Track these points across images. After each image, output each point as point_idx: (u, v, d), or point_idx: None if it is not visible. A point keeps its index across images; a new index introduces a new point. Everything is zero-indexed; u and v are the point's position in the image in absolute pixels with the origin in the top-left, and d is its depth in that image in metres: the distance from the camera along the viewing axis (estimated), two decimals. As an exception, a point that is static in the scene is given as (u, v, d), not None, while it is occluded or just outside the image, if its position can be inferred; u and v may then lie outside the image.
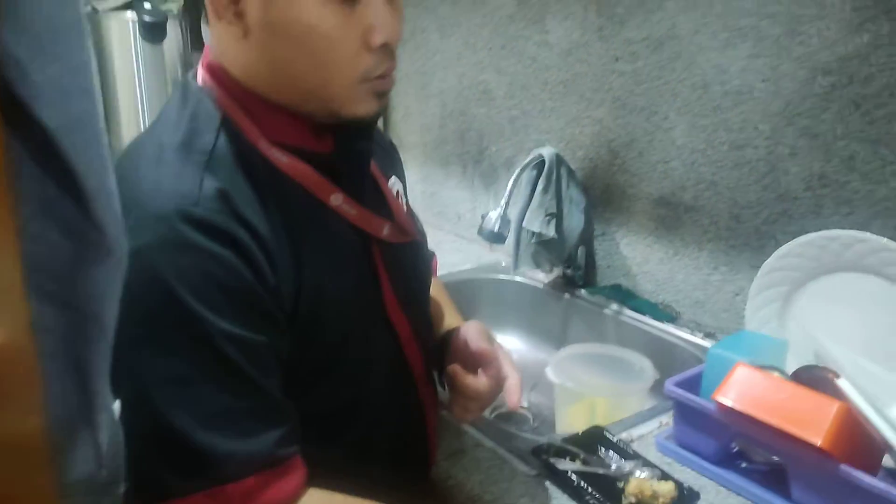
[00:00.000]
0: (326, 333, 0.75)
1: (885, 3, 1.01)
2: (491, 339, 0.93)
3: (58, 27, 0.36)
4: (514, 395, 0.85)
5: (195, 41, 2.28)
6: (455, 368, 0.87)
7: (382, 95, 0.75)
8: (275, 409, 0.68)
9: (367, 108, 0.74)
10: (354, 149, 0.80)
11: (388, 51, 0.72)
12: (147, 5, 1.97)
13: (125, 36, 1.95)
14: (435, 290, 1.09)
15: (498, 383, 0.88)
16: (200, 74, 0.76)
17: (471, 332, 0.92)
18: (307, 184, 0.75)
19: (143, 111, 1.98)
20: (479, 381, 0.87)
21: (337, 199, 0.77)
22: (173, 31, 2.03)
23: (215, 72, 0.75)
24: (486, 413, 0.93)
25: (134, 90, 1.97)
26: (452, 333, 0.97)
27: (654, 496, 0.83)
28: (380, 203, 0.86)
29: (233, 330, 0.64)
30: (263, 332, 0.67)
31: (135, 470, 0.65)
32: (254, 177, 0.70)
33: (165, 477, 0.63)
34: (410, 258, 0.90)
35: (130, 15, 1.95)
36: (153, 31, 1.97)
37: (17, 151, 0.35)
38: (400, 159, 1.02)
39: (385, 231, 0.83)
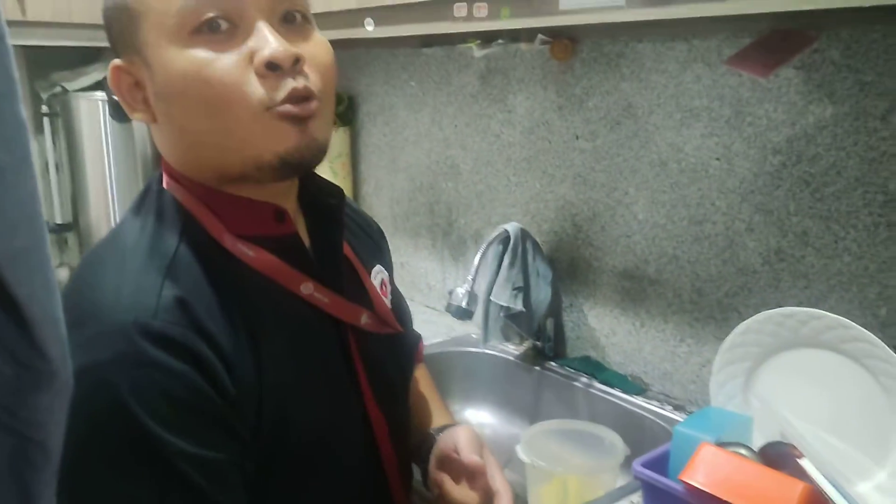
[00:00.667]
0: (297, 436, 0.72)
1: (828, 87, 1.06)
2: (482, 448, 0.89)
3: (4, 161, 0.37)
4: None
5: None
6: (442, 478, 0.85)
7: (300, 122, 0.67)
8: None
9: (284, 142, 0.67)
10: (323, 233, 0.79)
11: (288, 71, 0.66)
12: (117, 85, 2.00)
13: (94, 115, 1.97)
14: (423, 381, 1.06)
15: (486, 497, 0.85)
16: (164, 175, 0.76)
17: (462, 440, 0.88)
18: (275, 275, 0.73)
19: (112, 191, 1.98)
20: (466, 495, 0.84)
21: (308, 289, 0.75)
22: (143, 110, 2.05)
23: (168, 169, 0.74)
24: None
25: (103, 170, 1.98)
26: (440, 434, 0.93)
27: None
28: (358, 292, 0.84)
29: (191, 449, 0.63)
30: (224, 448, 0.65)
31: None
32: (217, 278, 0.69)
33: None
34: (390, 350, 0.87)
35: (100, 95, 1.98)
36: (122, 111, 1.99)
37: None
38: (388, 248, 1.00)
39: (363, 320, 0.81)
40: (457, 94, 1.72)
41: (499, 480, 0.85)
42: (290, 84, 0.66)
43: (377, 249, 0.97)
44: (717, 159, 1.21)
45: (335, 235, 0.81)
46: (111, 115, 1.95)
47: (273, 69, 0.66)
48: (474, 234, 1.76)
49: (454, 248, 1.83)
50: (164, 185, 0.75)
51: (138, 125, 2.04)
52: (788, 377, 1.00)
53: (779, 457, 0.91)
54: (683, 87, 1.24)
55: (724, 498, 0.83)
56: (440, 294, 1.91)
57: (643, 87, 1.30)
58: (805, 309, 0.95)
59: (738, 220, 1.20)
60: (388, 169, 1.99)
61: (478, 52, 1.49)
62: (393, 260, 1.01)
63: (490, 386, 1.62)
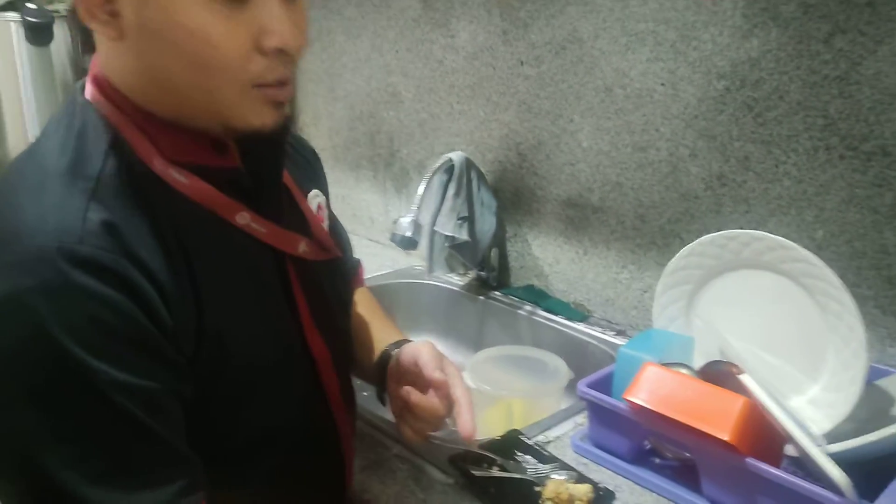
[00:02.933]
0: (236, 368, 0.70)
1: (773, 10, 1.06)
2: (443, 361, 0.88)
3: None
4: (468, 426, 0.81)
5: (86, 44, 2.16)
6: (408, 390, 0.84)
7: (279, 105, 0.68)
8: (175, 457, 0.64)
9: (262, 118, 0.67)
10: (263, 163, 0.75)
11: (284, 58, 0.66)
12: (31, 5, 1.86)
13: (7, 38, 1.83)
14: (367, 302, 1.05)
15: (449, 404, 0.84)
16: (89, 87, 0.69)
17: (423, 355, 0.87)
18: (210, 204, 0.69)
19: (28, 119, 1.87)
20: (432, 401, 0.84)
21: (244, 218, 0.72)
22: (61, 33, 1.93)
23: (102, 84, 0.68)
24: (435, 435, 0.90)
25: (19, 96, 1.85)
26: (397, 350, 0.92)
27: (570, 499, 0.84)
28: (296, 218, 0.81)
29: (126, 379, 0.59)
30: (160, 378, 0.62)
31: None
32: (148, 203, 0.64)
33: None
34: (329, 277, 0.85)
35: (13, 16, 1.84)
36: (39, 33, 1.86)
37: None
38: (322, 170, 0.97)
39: (301, 248, 0.78)
40: (397, 18, 1.66)
41: (459, 389, 0.84)
42: (282, 71, 0.66)
43: (312, 173, 0.93)
44: (662, 84, 1.21)
45: (276, 163, 0.77)
46: (27, 37, 1.82)
47: (278, 55, 0.65)
48: (417, 165, 1.73)
49: (397, 179, 1.80)
50: (89, 97, 0.69)
51: (57, 49, 1.91)
52: (728, 299, 1.02)
53: (719, 375, 0.93)
54: (629, 11, 1.22)
55: (667, 414, 0.85)
56: (383, 227, 1.88)
57: (589, 10, 1.28)
58: (747, 231, 0.97)
59: (681, 145, 1.20)
60: (327, 98, 1.93)
61: (420, -28, 1.43)
62: (333, 193, 0.98)
63: (434, 316, 1.62)
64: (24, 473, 0.58)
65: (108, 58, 0.68)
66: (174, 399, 0.64)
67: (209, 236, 0.69)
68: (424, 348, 0.89)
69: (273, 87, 0.66)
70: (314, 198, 0.89)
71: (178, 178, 0.68)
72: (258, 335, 0.73)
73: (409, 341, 0.96)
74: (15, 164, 0.67)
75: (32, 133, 1.88)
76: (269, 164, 0.76)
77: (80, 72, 2.09)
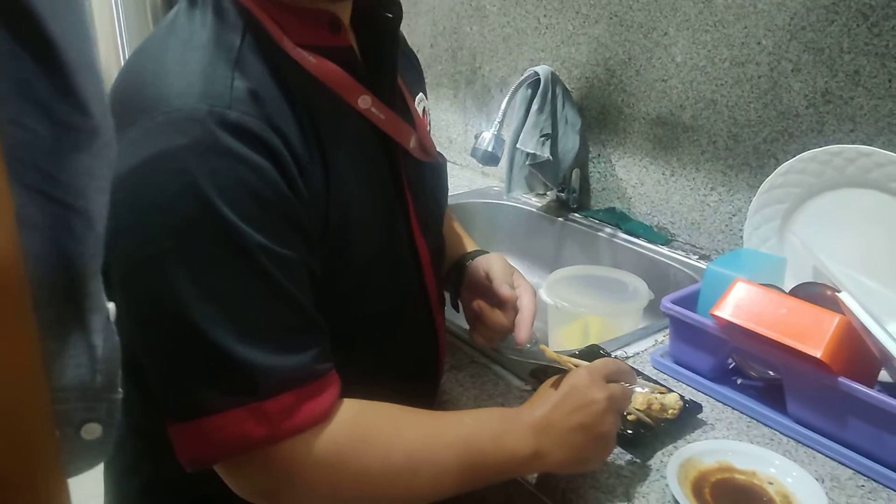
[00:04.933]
0: (354, 252, 0.72)
1: None
2: (513, 275, 0.91)
3: None
4: (524, 331, 0.85)
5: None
6: (481, 305, 0.88)
7: None
8: (311, 324, 0.66)
9: None
10: (378, 44, 0.76)
11: None
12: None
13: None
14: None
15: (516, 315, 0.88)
16: None
17: (494, 268, 0.90)
18: (335, 85, 0.71)
19: (122, 32, 1.91)
20: (499, 316, 0.87)
21: (366, 102, 0.73)
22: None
23: None
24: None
25: (111, 8, 1.89)
26: (470, 260, 0.94)
27: (663, 408, 0.83)
28: (406, 115, 0.82)
29: (269, 243, 0.61)
30: (297, 247, 0.64)
31: (166, 386, 0.63)
32: (282, 79, 0.66)
33: (202, 393, 0.61)
34: (431, 180, 0.87)
35: (104, -73, 1.86)
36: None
37: None
38: (424, 79, 0.98)
39: (412, 143, 0.79)
40: (485, -73, 1.60)
41: (525, 300, 0.88)
42: None
43: (419, 77, 0.94)
44: (768, -7, 1.13)
45: (391, 50, 0.78)
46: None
47: None
48: (499, 83, 1.69)
49: (478, 97, 1.77)
50: None
51: (145, -39, 1.94)
52: (827, 219, 0.97)
53: (812, 296, 0.90)
54: (737, -88, 1.14)
55: (758, 331, 0.83)
56: (461, 147, 1.86)
57: (692, -87, 1.20)
58: (854, 146, 0.91)
59: (784, 59, 1.13)
60: (409, 13, 1.89)
61: None
62: (419, 100, 0.97)
63: (512, 237, 1.61)
64: (175, 325, 0.60)
65: None
66: (307, 271, 0.66)
67: (333, 117, 0.70)
68: (496, 262, 0.92)
69: None
70: (419, 102, 0.89)
71: (307, 57, 0.69)
72: (373, 223, 0.74)
73: (484, 252, 0.98)
74: (153, 38, 0.69)
75: (123, 45, 1.92)
76: (384, 47, 0.77)
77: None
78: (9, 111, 0.34)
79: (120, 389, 0.43)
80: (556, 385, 0.75)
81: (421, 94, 0.91)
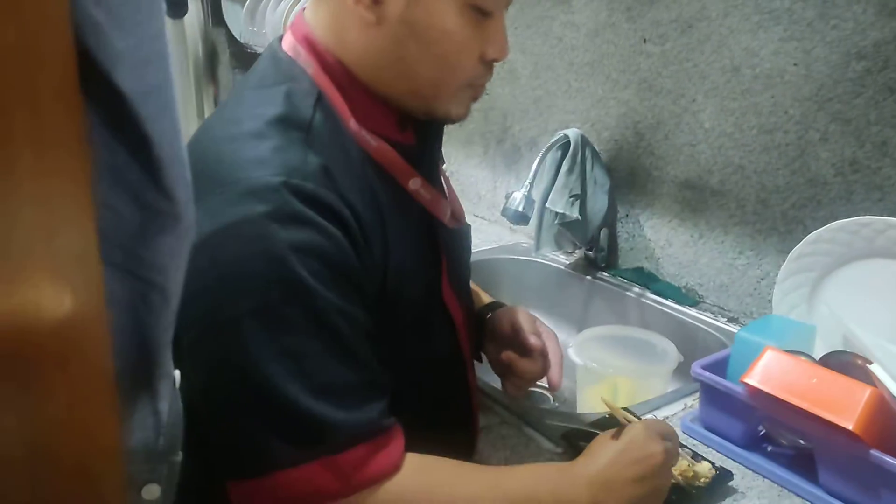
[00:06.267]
0: (401, 316, 0.76)
1: (925, -13, 1.00)
2: (536, 324, 0.97)
3: None
4: (556, 376, 0.92)
5: (215, 16, 2.27)
6: (510, 356, 0.93)
7: (475, 100, 0.79)
8: (377, 380, 0.69)
9: (460, 111, 0.78)
10: (432, 141, 0.83)
11: (492, 65, 0.77)
12: (170, -21, 1.97)
13: (148, 10, 1.95)
14: None
15: (546, 364, 0.94)
16: (291, 45, 0.76)
17: (520, 321, 0.96)
18: (391, 168, 0.76)
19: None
20: (530, 365, 0.93)
21: (416, 184, 0.79)
22: (194, 7, 2.03)
23: (315, 46, 0.75)
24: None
25: (156, 65, 1.97)
26: (489, 313, 0.99)
27: (696, 476, 0.84)
28: (440, 189, 0.87)
29: (340, 304, 0.65)
30: (360, 310, 0.68)
31: (236, 442, 0.65)
32: (348, 156, 0.71)
33: (276, 448, 0.63)
34: (460, 244, 0.92)
35: (153, -11, 1.95)
36: (175, 7, 1.97)
37: (89, 118, 0.35)
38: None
39: (447, 216, 0.85)
40: (518, -6, 1.66)
41: (552, 348, 0.95)
42: (489, 77, 0.78)
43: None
44: (795, 65, 1.16)
45: (438, 140, 0.86)
46: (167, 11, 1.92)
47: (492, 63, 0.76)
48: (529, 143, 1.73)
49: (507, 156, 1.81)
50: (293, 55, 0.75)
51: (190, 21, 2.02)
52: (856, 288, 0.98)
53: (842, 366, 0.90)
54: (764, -12, 1.18)
55: (788, 400, 0.83)
56: (490, 203, 1.90)
57: (720, -14, 1.24)
58: (883, 218, 0.93)
59: (811, 129, 1.16)
60: (442, 74, 1.95)
61: (545, -53, 1.42)
62: (444, 168, 1.02)
63: (539, 294, 1.63)
64: (248, 383, 0.63)
65: (347, 33, 0.73)
66: (367, 332, 0.70)
67: (389, 195, 0.75)
68: (520, 314, 0.98)
69: (479, 88, 0.78)
70: (444, 169, 0.93)
71: (369, 140, 0.74)
72: (418, 289, 0.79)
73: (502, 305, 1.03)
74: (225, 111, 0.74)
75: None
76: (435, 143, 0.85)
77: (209, 44, 2.21)
78: (102, 195, 0.37)
79: (180, 452, 0.46)
80: (613, 437, 0.77)
81: (443, 160, 0.97)
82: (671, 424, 0.94)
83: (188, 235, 0.41)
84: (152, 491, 0.44)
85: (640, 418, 0.97)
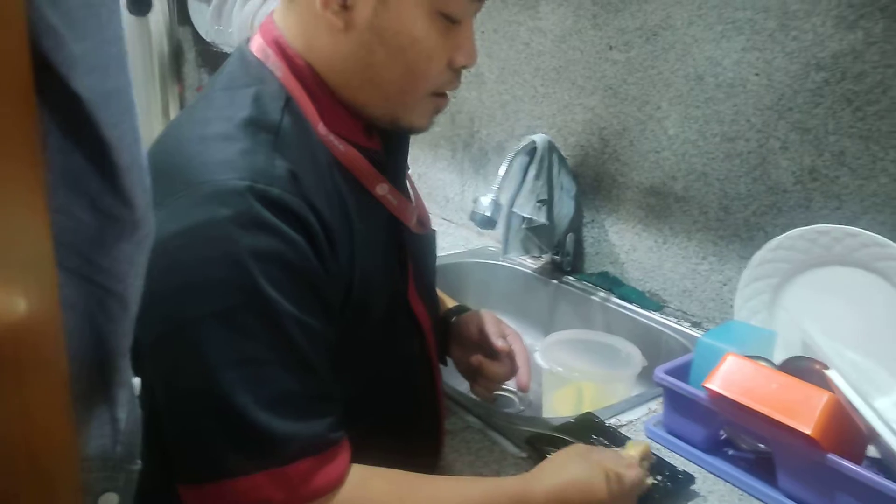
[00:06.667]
0: (367, 321, 0.76)
1: (880, 0, 1.02)
2: (501, 325, 1.00)
3: None
4: (525, 378, 0.95)
5: (181, 14, 2.24)
6: (480, 359, 0.96)
7: (437, 112, 0.79)
8: (329, 393, 0.69)
9: (423, 121, 0.78)
10: (397, 147, 0.84)
11: (460, 72, 0.77)
12: (133, -24, 1.94)
13: (110, 7, 1.91)
14: None
15: (514, 366, 0.97)
16: (260, 47, 0.75)
17: (487, 325, 0.98)
18: (358, 172, 0.76)
19: (128, 85, 1.95)
20: (499, 368, 0.97)
21: (383, 189, 0.79)
22: (159, 4, 2.00)
23: (284, 50, 0.74)
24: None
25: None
26: (454, 316, 1.01)
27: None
28: (407, 195, 0.87)
29: (297, 313, 0.64)
30: (320, 318, 0.67)
31: (188, 447, 0.65)
32: (316, 160, 0.71)
33: (225, 455, 0.63)
34: (426, 249, 0.93)
35: (116, -14, 1.92)
36: (139, 5, 1.94)
37: (45, 123, 0.34)
38: None
39: (413, 221, 0.85)
40: (486, -1, 1.66)
41: (517, 348, 0.98)
42: (456, 84, 0.77)
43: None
44: (757, 74, 1.18)
45: (404, 147, 0.86)
46: (128, 8, 1.89)
47: (459, 70, 0.76)
48: (496, 147, 1.74)
49: (475, 159, 1.82)
50: (262, 57, 0.74)
51: (155, 19, 1.99)
52: (815, 295, 1.01)
53: (801, 371, 0.92)
54: (727, -2, 1.20)
55: (748, 405, 0.85)
56: (457, 206, 1.90)
57: (684, -4, 1.26)
58: (841, 226, 0.95)
59: (772, 137, 1.18)
60: (410, 77, 1.95)
61: (513, -47, 1.43)
62: (410, 171, 1.02)
63: (506, 298, 1.64)
64: (202, 387, 0.62)
65: (316, 39, 0.73)
66: (325, 341, 0.69)
67: (356, 199, 0.75)
68: (486, 317, 1.00)
69: (443, 97, 0.78)
70: (409, 174, 0.93)
71: (337, 144, 0.74)
72: (383, 294, 0.79)
73: (466, 309, 1.05)
74: (194, 112, 0.73)
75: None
76: (402, 149, 0.85)
77: (175, 42, 2.17)
78: (58, 201, 0.36)
79: (138, 461, 0.45)
80: (576, 453, 0.79)
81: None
82: (623, 431, 0.97)
83: (147, 242, 0.41)
84: (110, 500, 0.44)
85: (598, 416, 0.99)
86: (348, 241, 0.72)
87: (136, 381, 0.46)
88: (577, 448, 0.80)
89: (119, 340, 0.41)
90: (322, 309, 0.68)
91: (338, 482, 0.67)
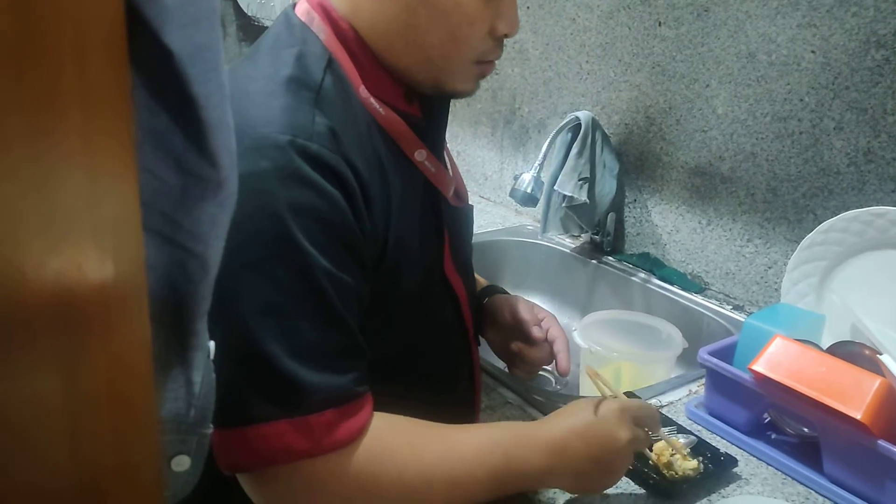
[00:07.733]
0: (401, 286, 0.76)
1: (948, -23, 0.99)
2: (537, 312, 0.99)
3: None
4: (565, 362, 0.93)
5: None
6: (520, 346, 0.95)
7: (482, 77, 0.79)
8: (357, 348, 0.70)
9: (468, 86, 0.78)
10: (438, 115, 0.83)
11: (502, 41, 0.76)
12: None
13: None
14: None
15: (553, 349, 0.95)
16: (305, 11, 0.76)
17: (521, 312, 0.97)
18: (398, 137, 0.77)
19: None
20: (542, 353, 0.95)
21: (421, 156, 0.79)
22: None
23: (329, 13, 0.75)
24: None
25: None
26: (486, 298, 1.01)
27: (670, 465, 0.83)
28: (444, 165, 0.87)
29: (331, 268, 0.65)
30: (354, 275, 0.68)
31: (220, 391, 0.66)
32: (356, 121, 0.72)
33: (252, 401, 0.64)
34: (463, 222, 0.92)
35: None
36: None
37: (132, 78, 0.34)
38: None
39: (451, 192, 0.85)
40: (532, -27, 1.64)
41: (555, 332, 0.96)
42: (499, 52, 0.77)
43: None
44: (813, 52, 1.15)
45: (444, 116, 0.86)
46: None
47: (501, 39, 0.76)
48: (537, 124, 1.72)
49: (515, 137, 1.80)
50: (307, 21, 0.75)
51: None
52: (867, 279, 0.98)
53: (850, 355, 0.90)
54: (784, -27, 1.17)
55: (797, 388, 0.83)
56: (496, 184, 1.89)
57: (739, -29, 1.23)
58: (897, 209, 0.92)
59: (826, 117, 1.15)
60: (451, 52, 1.93)
61: (561, -74, 1.40)
62: (449, 148, 1.02)
63: (544, 276, 1.63)
64: (232, 334, 0.63)
65: (359, 1, 0.74)
66: (357, 298, 0.70)
67: (395, 163, 0.76)
68: (520, 303, 0.99)
69: (488, 65, 0.78)
70: (447, 148, 0.94)
71: (378, 107, 0.75)
72: (420, 260, 0.79)
73: (498, 290, 1.04)
74: (238, 70, 0.74)
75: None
76: (442, 118, 0.85)
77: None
78: (142, 160, 0.36)
79: (210, 425, 0.45)
80: (588, 407, 0.76)
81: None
82: (663, 412, 0.95)
83: (229, 203, 0.40)
84: (182, 462, 0.44)
85: (638, 396, 0.98)
86: (385, 202, 0.72)
87: (212, 344, 0.46)
88: (586, 400, 0.79)
89: (198, 302, 0.41)
90: (356, 266, 0.69)
91: (360, 434, 0.68)
